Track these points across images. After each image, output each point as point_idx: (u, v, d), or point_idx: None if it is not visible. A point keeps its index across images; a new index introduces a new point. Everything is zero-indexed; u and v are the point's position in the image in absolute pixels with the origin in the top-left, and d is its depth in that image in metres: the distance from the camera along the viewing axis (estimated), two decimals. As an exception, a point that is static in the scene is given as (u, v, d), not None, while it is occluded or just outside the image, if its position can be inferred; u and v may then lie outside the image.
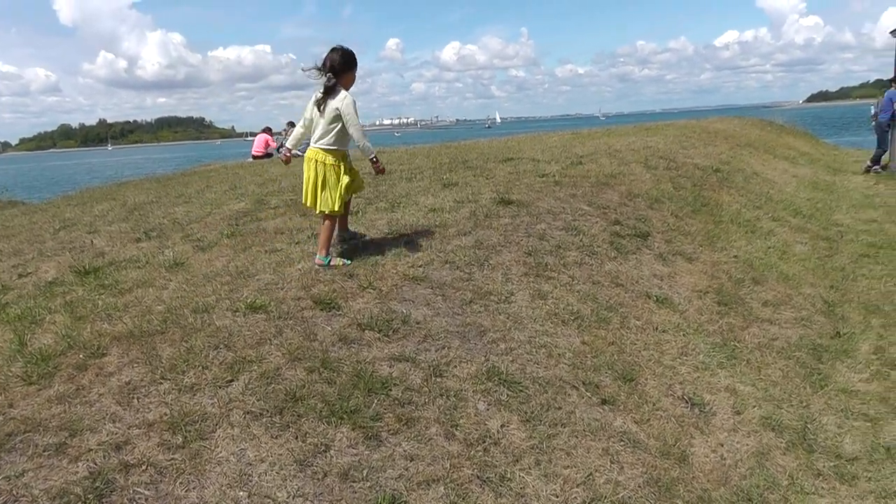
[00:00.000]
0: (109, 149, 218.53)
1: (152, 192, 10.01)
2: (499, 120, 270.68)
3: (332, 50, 4.60)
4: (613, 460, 3.17)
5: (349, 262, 4.78)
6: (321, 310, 4.00)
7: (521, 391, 3.48)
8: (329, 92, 4.56)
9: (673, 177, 8.73)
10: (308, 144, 4.73)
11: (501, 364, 3.66)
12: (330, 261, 4.75)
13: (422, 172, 8.21)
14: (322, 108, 4.60)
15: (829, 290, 6.47)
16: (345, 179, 4.67)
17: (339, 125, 4.55)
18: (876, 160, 14.51)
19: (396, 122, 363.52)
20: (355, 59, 4.66)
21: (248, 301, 4.08)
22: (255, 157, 16.71)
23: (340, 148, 4.65)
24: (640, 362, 4.12)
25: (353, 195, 5.15)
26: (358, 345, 3.67)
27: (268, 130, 17.84)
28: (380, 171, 4.78)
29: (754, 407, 4.05)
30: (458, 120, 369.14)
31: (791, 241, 8.06)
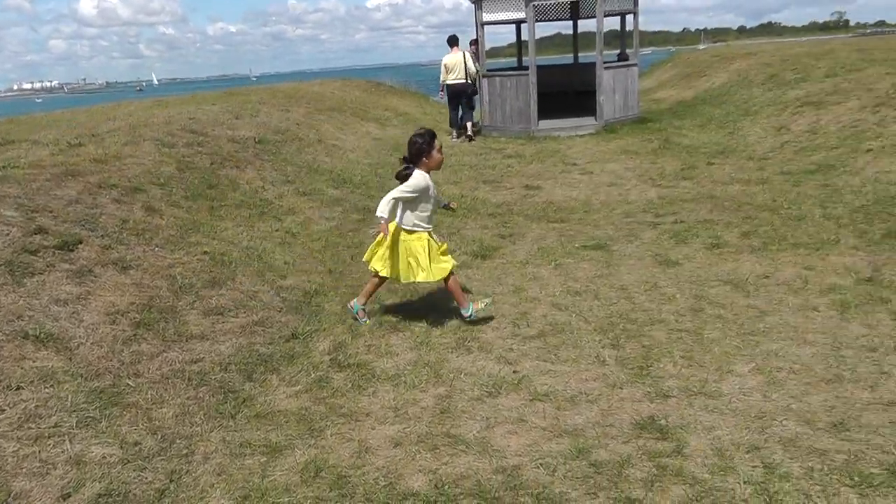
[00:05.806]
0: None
1: None
2: (156, 81, 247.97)
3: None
4: None
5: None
6: None
7: None
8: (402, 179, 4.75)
9: (188, 154, 7.62)
10: None
11: None
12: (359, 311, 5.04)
13: None
14: None
15: (326, 275, 5.90)
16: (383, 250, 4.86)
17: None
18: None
19: (38, 85, 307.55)
20: (421, 145, 4.66)
21: None
22: None
23: (402, 224, 4.79)
24: None
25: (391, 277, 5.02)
26: None
27: None
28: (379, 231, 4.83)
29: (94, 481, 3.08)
30: (107, 83, 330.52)
31: (316, 217, 7.52)
